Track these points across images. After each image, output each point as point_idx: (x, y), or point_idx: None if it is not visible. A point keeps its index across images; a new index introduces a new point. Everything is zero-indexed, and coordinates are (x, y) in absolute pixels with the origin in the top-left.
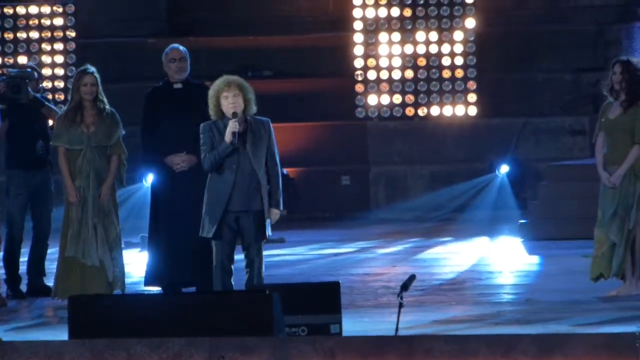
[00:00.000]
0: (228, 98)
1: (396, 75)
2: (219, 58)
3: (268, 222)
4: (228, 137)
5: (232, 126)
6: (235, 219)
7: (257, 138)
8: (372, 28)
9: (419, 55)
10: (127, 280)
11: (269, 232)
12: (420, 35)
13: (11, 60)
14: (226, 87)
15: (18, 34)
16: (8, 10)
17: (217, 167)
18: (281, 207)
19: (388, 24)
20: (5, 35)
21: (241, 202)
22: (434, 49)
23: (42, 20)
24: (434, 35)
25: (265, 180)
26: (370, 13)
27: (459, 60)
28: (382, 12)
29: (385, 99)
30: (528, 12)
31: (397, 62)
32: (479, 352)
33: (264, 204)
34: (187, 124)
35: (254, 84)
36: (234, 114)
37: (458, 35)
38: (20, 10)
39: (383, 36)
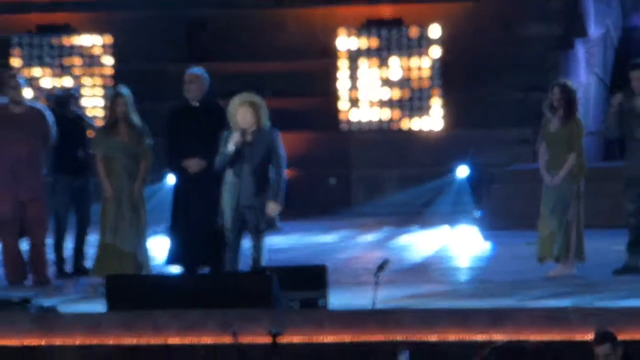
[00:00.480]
0: (239, 114)
1: (374, 94)
2: (230, 79)
3: (276, 214)
4: (230, 146)
5: (234, 138)
6: (241, 212)
7: (259, 146)
8: (354, 56)
9: (393, 79)
10: (153, 264)
11: (278, 223)
12: (393, 62)
13: (58, 83)
14: (239, 105)
15: (64, 61)
16: (55, 41)
17: (224, 167)
18: (279, 201)
19: (367, 52)
20: (54, 62)
21: (245, 199)
22: (405, 73)
23: (84, 49)
24: (405, 62)
25: (267, 180)
26: (353, 44)
27: (426, 83)
28: (363, 43)
29: (364, 115)
30: (485, 41)
31: (374, 83)
32: (441, 322)
33: (264, 201)
34: (201, 134)
35: None
36: (242, 131)
37: (425, 61)
38: (66, 40)
39: (363, 62)
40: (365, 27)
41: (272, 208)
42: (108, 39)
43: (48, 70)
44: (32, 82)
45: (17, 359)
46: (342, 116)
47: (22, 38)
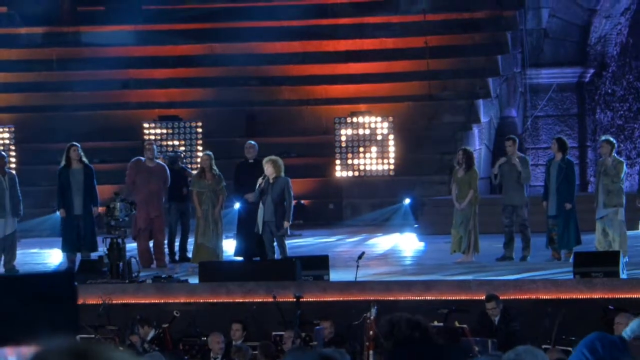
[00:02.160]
0: (265, 168)
1: (359, 157)
2: (270, 147)
3: (287, 226)
4: (257, 186)
5: (259, 182)
6: (268, 226)
7: (277, 187)
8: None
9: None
10: (225, 255)
11: (288, 231)
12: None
13: (171, 148)
14: (265, 162)
15: (167, 141)
16: (169, 125)
17: (257, 199)
18: (290, 220)
19: (352, 135)
20: (168, 139)
21: (268, 217)
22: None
23: (186, 129)
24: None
25: (282, 207)
26: (343, 128)
27: (385, 148)
28: (349, 127)
29: (350, 168)
30: (420, 126)
31: (362, 149)
32: (395, 288)
33: (276, 219)
34: (254, 179)
35: (287, 160)
36: (267, 178)
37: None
38: (176, 125)
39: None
40: (350, 116)
41: (285, 223)
42: (200, 124)
43: (165, 143)
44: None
45: (146, 311)
46: (337, 168)
47: (149, 123)
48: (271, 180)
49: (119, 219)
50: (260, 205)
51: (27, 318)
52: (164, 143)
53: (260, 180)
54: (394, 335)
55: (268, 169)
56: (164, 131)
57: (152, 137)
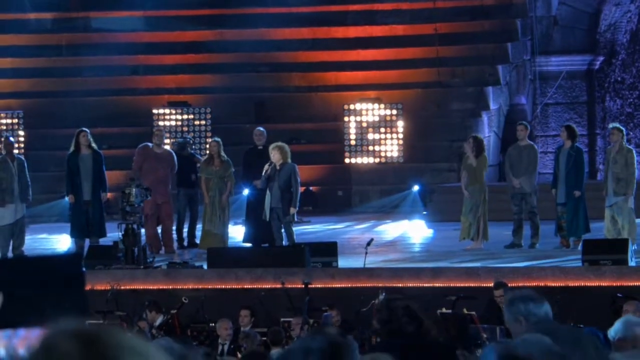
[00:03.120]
0: (272, 154)
1: (368, 144)
2: (280, 133)
3: (294, 212)
4: (263, 172)
5: (265, 168)
6: (275, 212)
7: (283, 173)
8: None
9: (377, 136)
10: (231, 241)
11: (295, 217)
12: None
13: (180, 135)
14: (272, 148)
15: (176, 127)
16: (179, 112)
17: (264, 186)
18: (297, 207)
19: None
20: (178, 123)
21: (275, 204)
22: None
23: (195, 114)
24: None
25: (288, 194)
26: (353, 113)
27: (394, 135)
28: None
29: (359, 155)
30: (430, 113)
31: (371, 136)
32: (404, 275)
33: (283, 205)
34: (263, 165)
35: (296, 147)
36: (273, 165)
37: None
38: (185, 112)
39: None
40: (359, 103)
41: (291, 210)
42: (209, 111)
43: (173, 129)
44: (167, 135)
45: (154, 297)
46: (346, 156)
47: (158, 109)
48: (278, 167)
49: (135, 205)
50: (267, 191)
51: (36, 300)
52: (173, 129)
53: (266, 166)
54: (390, 323)
55: (275, 156)
56: (173, 117)
57: (161, 123)
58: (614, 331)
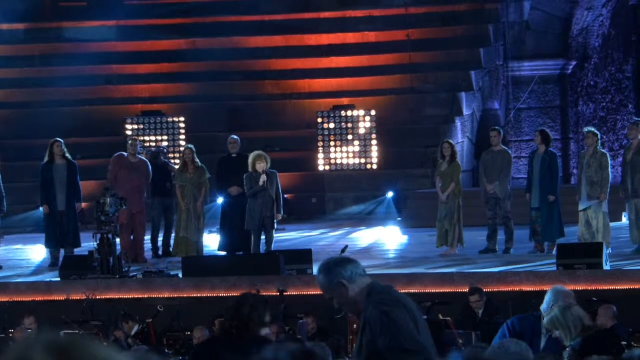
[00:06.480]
0: (257, 163)
1: (342, 150)
2: (253, 141)
3: (279, 218)
4: (260, 182)
5: (262, 178)
6: (262, 219)
7: (271, 181)
8: (326, 128)
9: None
10: (206, 250)
11: (275, 224)
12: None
13: (153, 144)
14: (258, 158)
15: (156, 132)
16: (152, 120)
17: (253, 194)
18: (282, 213)
19: (333, 127)
20: (151, 132)
21: (264, 211)
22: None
23: (169, 124)
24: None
25: (276, 201)
26: (325, 121)
27: (368, 141)
28: (331, 120)
29: (333, 161)
30: (403, 119)
31: (344, 143)
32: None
33: (274, 212)
34: (237, 173)
35: (270, 154)
36: (265, 174)
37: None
38: (159, 120)
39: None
40: (332, 109)
41: (278, 216)
42: (183, 119)
43: (148, 138)
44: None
45: (129, 306)
46: (319, 163)
47: (132, 119)
48: (265, 176)
49: (109, 214)
50: (255, 201)
51: None
52: (147, 138)
53: (262, 177)
54: (236, 318)
55: (261, 165)
56: (147, 126)
57: (135, 133)
58: (545, 303)
